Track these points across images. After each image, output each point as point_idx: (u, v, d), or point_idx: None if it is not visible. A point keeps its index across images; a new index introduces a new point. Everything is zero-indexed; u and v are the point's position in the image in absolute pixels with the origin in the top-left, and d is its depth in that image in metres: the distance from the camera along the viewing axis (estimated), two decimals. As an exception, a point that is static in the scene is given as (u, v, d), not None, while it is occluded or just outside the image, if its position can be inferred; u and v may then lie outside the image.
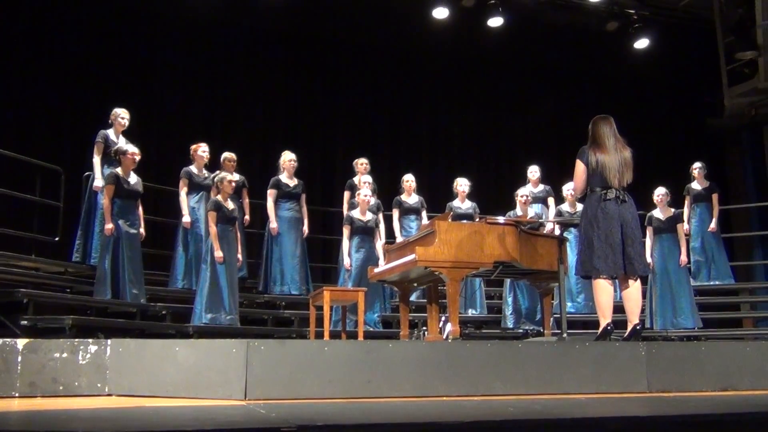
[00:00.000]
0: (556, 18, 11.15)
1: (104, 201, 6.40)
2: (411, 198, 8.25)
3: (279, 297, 7.65)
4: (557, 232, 7.93)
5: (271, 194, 7.75)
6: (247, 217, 7.79)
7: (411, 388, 3.82)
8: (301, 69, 10.77)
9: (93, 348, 3.92)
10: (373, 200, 7.89)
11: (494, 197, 10.27)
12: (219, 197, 6.92)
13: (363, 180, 8.01)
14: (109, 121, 7.05)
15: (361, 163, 8.28)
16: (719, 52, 10.97)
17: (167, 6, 9.64)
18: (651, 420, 2.82)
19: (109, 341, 3.97)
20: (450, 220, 5.65)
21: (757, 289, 9.68)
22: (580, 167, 5.00)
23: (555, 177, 8.88)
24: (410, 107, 11.33)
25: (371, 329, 7.37)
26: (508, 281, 7.90)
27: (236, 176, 7.48)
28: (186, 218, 7.29)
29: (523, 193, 8.00)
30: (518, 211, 7.93)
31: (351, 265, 7.50)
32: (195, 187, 7.43)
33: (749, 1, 10.21)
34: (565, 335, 5.49)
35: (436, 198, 9.09)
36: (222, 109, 10.34)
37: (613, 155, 4.90)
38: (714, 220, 8.61)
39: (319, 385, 3.69)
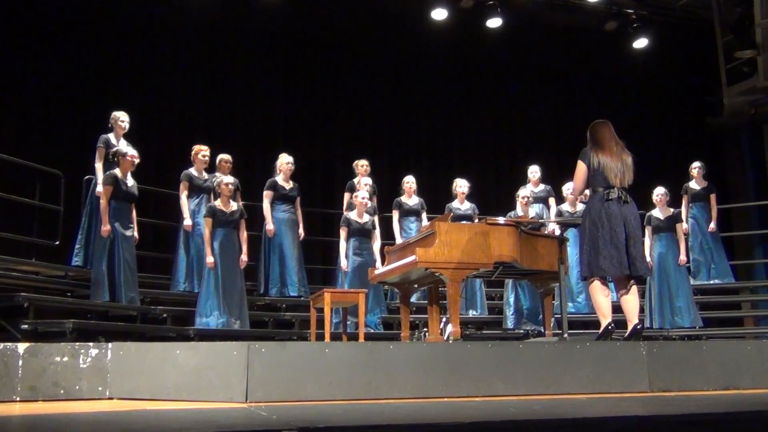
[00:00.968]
0: (555, 18, 11.15)
1: (102, 202, 6.38)
2: (411, 199, 8.25)
3: (279, 299, 7.65)
4: (557, 232, 7.93)
5: (267, 196, 7.75)
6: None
7: (412, 390, 3.82)
8: (300, 71, 10.76)
9: (94, 351, 3.92)
10: (371, 202, 7.90)
11: (494, 198, 10.26)
12: (217, 202, 6.93)
13: (363, 182, 8.02)
14: (109, 125, 7.05)
15: (362, 165, 8.29)
16: (718, 51, 10.98)
17: (166, 9, 9.63)
18: (652, 420, 2.82)
19: (109, 345, 3.97)
20: (450, 221, 5.65)
21: (757, 287, 9.68)
22: (581, 168, 5.02)
23: (555, 177, 8.87)
24: (409, 108, 11.32)
25: (372, 331, 7.36)
26: (509, 281, 7.89)
27: (230, 178, 7.49)
28: (187, 221, 7.29)
29: (524, 194, 8.00)
30: (519, 211, 7.93)
31: (348, 267, 7.50)
32: (195, 189, 7.44)
33: (748, -1, 10.22)
34: (566, 335, 5.49)
35: (436, 199, 9.08)
36: (222, 112, 10.33)
37: (615, 157, 4.93)
38: (713, 220, 8.62)
39: (320, 387, 3.69)
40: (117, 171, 6.52)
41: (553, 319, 6.60)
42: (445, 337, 5.75)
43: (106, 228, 6.32)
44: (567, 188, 8.21)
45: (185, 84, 10.09)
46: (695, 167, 8.79)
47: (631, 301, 4.92)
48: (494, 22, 10.45)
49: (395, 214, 8.20)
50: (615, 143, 4.99)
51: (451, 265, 5.06)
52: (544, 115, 11.76)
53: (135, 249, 6.66)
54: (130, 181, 6.64)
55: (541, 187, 8.62)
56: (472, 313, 8.03)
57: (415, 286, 6.16)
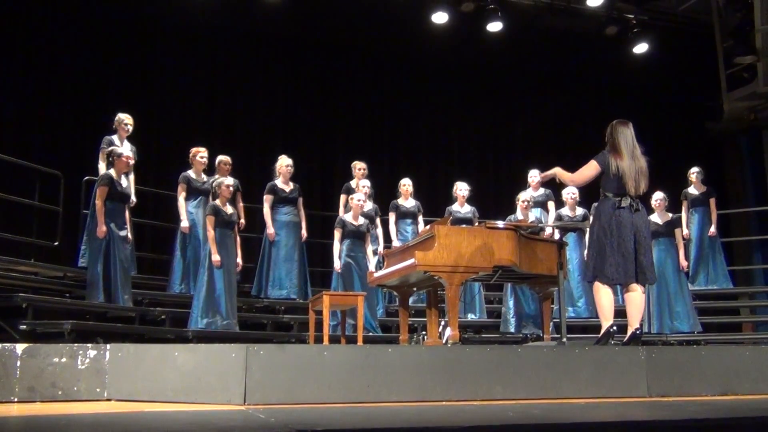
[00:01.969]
0: (555, 23, 11.16)
1: (97, 203, 6.35)
2: (408, 202, 8.26)
3: (278, 301, 7.64)
4: (556, 236, 7.94)
5: (267, 200, 7.75)
6: (242, 220, 7.79)
7: (410, 393, 3.81)
8: (300, 74, 10.77)
9: (92, 353, 3.91)
10: (370, 205, 7.90)
11: (494, 201, 10.27)
12: (217, 202, 6.93)
13: (361, 184, 8.02)
14: (114, 127, 7.05)
15: (359, 168, 8.26)
16: (718, 56, 10.99)
17: (166, 10, 9.64)
18: (651, 424, 2.82)
19: (108, 346, 3.97)
20: (449, 224, 5.65)
21: (756, 293, 9.68)
22: (591, 166, 4.99)
23: (555, 181, 8.85)
24: (410, 111, 11.34)
25: (370, 333, 7.36)
26: (508, 285, 7.89)
27: (230, 180, 7.49)
28: (184, 223, 7.30)
29: (524, 198, 8.00)
30: (518, 215, 7.93)
31: (340, 268, 7.50)
32: (193, 191, 7.44)
33: (748, 5, 10.23)
34: (564, 340, 5.48)
35: (436, 202, 9.09)
36: (221, 114, 10.35)
37: (631, 163, 4.89)
38: (713, 225, 8.62)
39: (318, 389, 3.68)
40: (112, 171, 6.51)
41: (551, 323, 6.60)
42: (444, 341, 5.74)
43: (102, 229, 6.29)
44: (567, 192, 8.21)
45: (184, 86, 10.09)
46: (693, 173, 8.79)
47: (635, 304, 4.89)
48: (495, 26, 10.46)
49: (392, 217, 8.20)
50: (634, 147, 4.94)
51: (450, 269, 5.05)
52: (545, 119, 11.77)
53: (129, 250, 6.66)
54: (125, 182, 6.64)
55: (541, 191, 8.61)
56: (470, 317, 8.02)
57: (414, 289, 6.16)
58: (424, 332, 6.90)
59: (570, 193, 8.14)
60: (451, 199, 8.38)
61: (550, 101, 11.76)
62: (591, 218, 5.88)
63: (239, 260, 7.17)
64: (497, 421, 2.83)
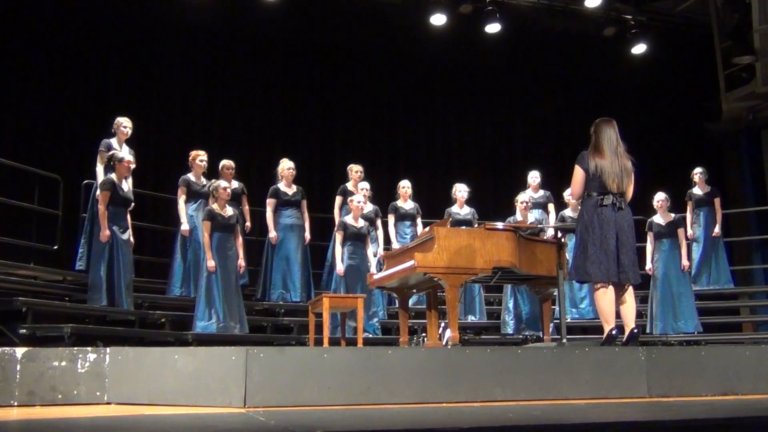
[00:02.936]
0: (554, 24, 11.18)
1: (100, 207, 6.39)
2: (407, 204, 8.26)
3: (278, 304, 7.64)
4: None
5: (270, 204, 7.75)
6: (248, 224, 7.80)
7: (411, 395, 3.81)
8: (299, 76, 10.78)
9: (92, 356, 3.91)
10: (370, 206, 7.90)
11: (493, 203, 10.27)
12: (214, 206, 6.93)
13: (360, 186, 8.02)
14: (112, 130, 7.05)
15: (356, 170, 8.23)
16: (716, 56, 11.00)
17: (166, 14, 9.65)
18: (651, 425, 2.82)
19: (107, 349, 3.97)
20: (449, 226, 5.65)
21: (756, 293, 9.67)
22: (578, 172, 4.99)
23: (554, 182, 8.88)
24: (409, 113, 11.34)
25: (370, 336, 7.36)
26: (508, 286, 7.89)
27: (235, 183, 7.49)
28: (184, 226, 7.29)
29: (523, 199, 8.01)
30: (518, 216, 7.93)
31: (343, 271, 7.49)
32: (193, 195, 7.44)
33: (746, 5, 10.24)
34: (564, 341, 5.48)
35: (435, 204, 9.08)
36: (220, 117, 10.34)
37: (613, 160, 4.88)
38: (717, 225, 8.61)
39: (318, 392, 3.68)
40: (113, 176, 6.53)
41: (552, 325, 6.60)
42: (444, 342, 5.74)
43: (105, 233, 6.33)
44: (568, 193, 8.21)
45: (184, 89, 10.10)
46: (697, 173, 8.77)
47: (627, 305, 4.91)
48: (493, 28, 10.47)
49: (390, 219, 8.19)
50: (617, 145, 4.94)
51: (450, 270, 5.05)
52: (544, 120, 11.78)
53: (132, 253, 6.67)
54: (126, 186, 6.65)
55: (541, 192, 8.61)
56: (470, 319, 8.01)
57: (414, 291, 6.16)
58: (424, 334, 6.90)
59: (569, 195, 8.13)
60: (450, 201, 8.38)
61: (549, 103, 11.76)
62: None
63: (242, 262, 7.16)
64: (497, 422, 2.83)
